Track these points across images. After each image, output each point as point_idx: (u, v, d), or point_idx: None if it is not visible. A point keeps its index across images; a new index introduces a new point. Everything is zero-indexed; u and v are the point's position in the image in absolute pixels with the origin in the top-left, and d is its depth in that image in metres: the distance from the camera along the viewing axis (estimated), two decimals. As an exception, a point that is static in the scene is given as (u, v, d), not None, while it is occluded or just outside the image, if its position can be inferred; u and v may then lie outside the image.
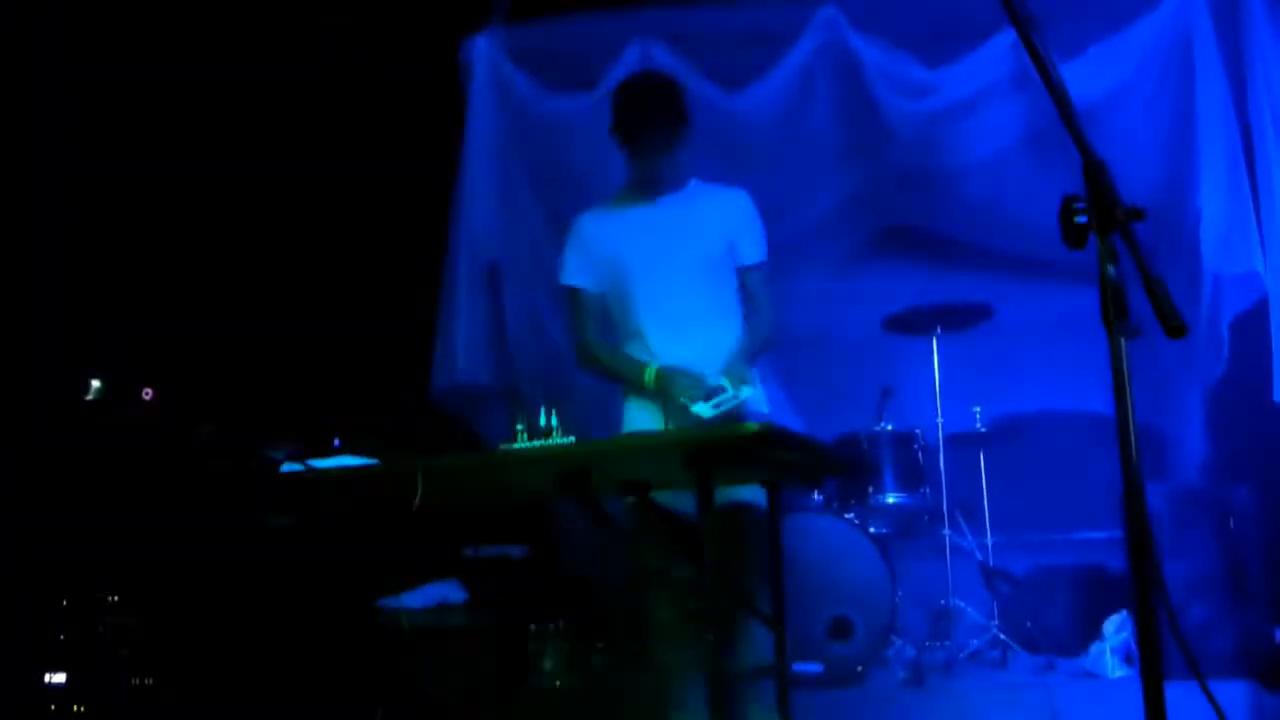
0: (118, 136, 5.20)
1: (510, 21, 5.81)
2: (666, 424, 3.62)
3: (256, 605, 3.70)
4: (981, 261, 6.26)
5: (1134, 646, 4.44)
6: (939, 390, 5.46)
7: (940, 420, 5.42)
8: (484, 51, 5.83)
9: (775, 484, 3.56)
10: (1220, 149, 5.03)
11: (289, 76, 5.55)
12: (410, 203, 5.80)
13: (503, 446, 3.22)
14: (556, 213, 5.89)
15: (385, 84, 5.69)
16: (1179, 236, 5.19)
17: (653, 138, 3.75)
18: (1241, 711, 4.10)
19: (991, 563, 5.50)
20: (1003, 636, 5.20)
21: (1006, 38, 5.22)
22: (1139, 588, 1.93)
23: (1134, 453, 1.92)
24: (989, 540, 5.52)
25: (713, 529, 3.11)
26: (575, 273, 3.89)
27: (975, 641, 5.25)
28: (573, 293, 3.91)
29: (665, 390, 3.61)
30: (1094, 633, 4.79)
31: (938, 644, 5.30)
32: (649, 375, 3.65)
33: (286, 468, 3.41)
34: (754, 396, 3.62)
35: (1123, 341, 1.93)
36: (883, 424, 5.53)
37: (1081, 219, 1.97)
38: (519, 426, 3.21)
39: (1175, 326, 1.89)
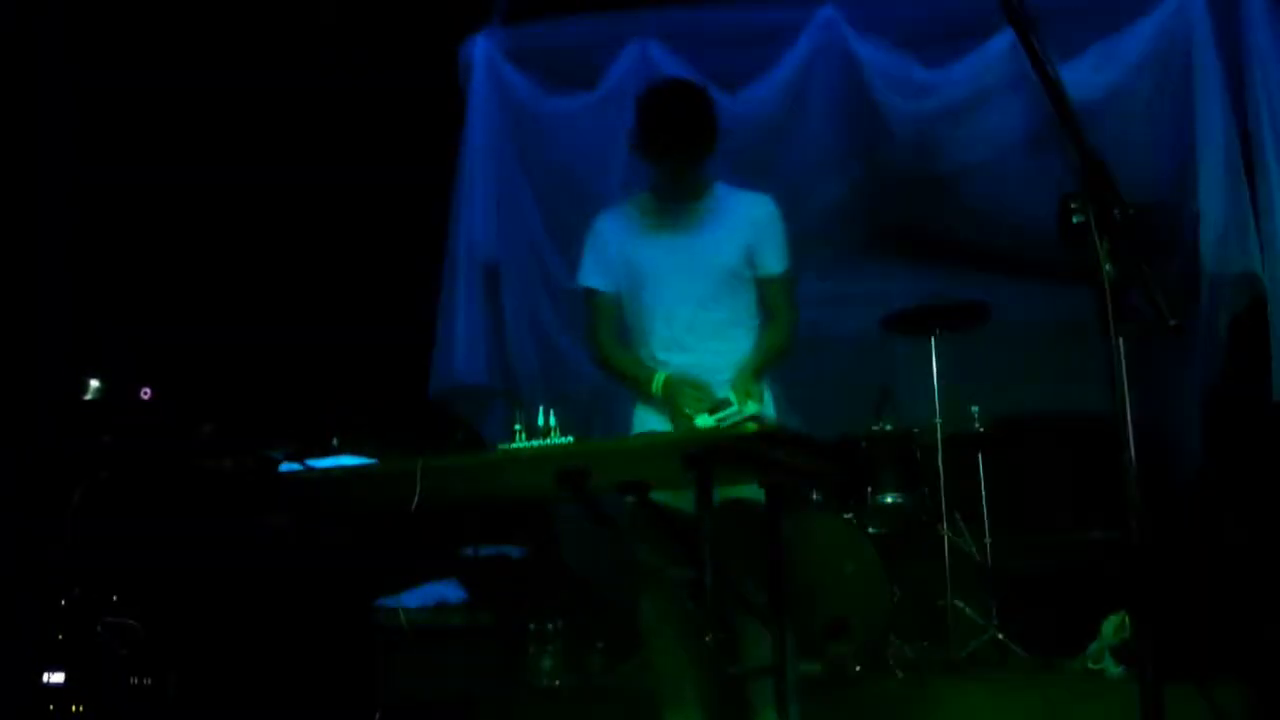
0: (118, 136, 5.20)
1: (509, 21, 5.81)
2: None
3: (255, 605, 3.70)
4: (980, 261, 6.26)
5: (1132, 647, 4.44)
6: (937, 390, 5.45)
7: (939, 420, 5.42)
8: (483, 51, 5.83)
9: (774, 484, 3.57)
10: (1219, 149, 5.04)
11: (289, 76, 5.55)
12: (409, 203, 5.80)
13: (501, 446, 3.22)
14: (555, 213, 5.90)
15: (385, 84, 5.70)
16: (1177, 236, 5.20)
17: (680, 158, 3.69)
18: (1238, 712, 4.10)
19: (989, 563, 5.50)
20: (1001, 637, 5.20)
21: (1005, 38, 5.22)
22: (1137, 588, 1.94)
23: (1132, 453, 1.92)
24: (987, 540, 5.51)
25: (711, 529, 3.11)
26: (591, 273, 3.88)
27: (973, 642, 5.25)
28: (589, 293, 3.90)
29: (671, 399, 3.62)
30: (1092, 633, 4.79)
31: (936, 644, 5.30)
32: (656, 383, 3.66)
33: (285, 467, 3.41)
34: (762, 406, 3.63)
35: (1121, 341, 1.93)
36: (881, 424, 5.53)
37: (1079, 219, 1.98)
38: (517, 426, 3.22)
39: (1173, 326, 1.89)
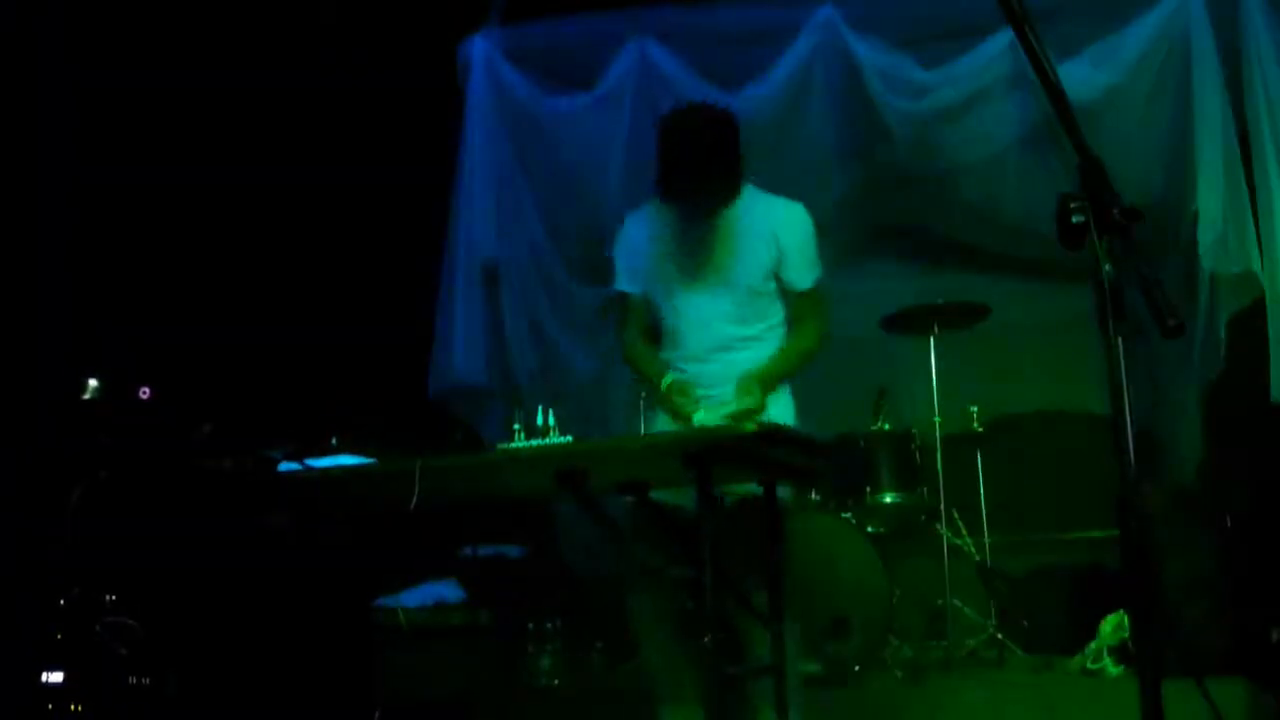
0: (118, 136, 5.19)
1: (508, 21, 5.81)
2: None
3: (254, 604, 3.70)
4: (979, 261, 6.27)
5: (1131, 646, 4.45)
6: (936, 390, 5.46)
7: (937, 420, 5.42)
8: (481, 51, 5.84)
9: (773, 483, 3.57)
10: (1217, 148, 5.04)
11: (288, 76, 5.54)
12: (409, 203, 5.80)
13: (500, 446, 3.22)
14: (554, 212, 5.91)
15: (384, 84, 5.70)
16: (1176, 236, 5.21)
17: (703, 197, 3.59)
18: (1237, 710, 4.11)
19: (988, 562, 5.51)
20: (1000, 636, 5.21)
21: (1004, 38, 5.23)
22: (1136, 587, 1.94)
23: (1131, 452, 1.92)
24: (986, 540, 5.52)
25: (712, 529, 3.12)
26: (621, 274, 3.87)
27: (972, 641, 5.25)
28: (619, 295, 3.91)
29: (668, 400, 3.63)
30: (1091, 632, 4.79)
31: (935, 643, 5.30)
32: (664, 383, 3.66)
33: (285, 467, 3.41)
34: (779, 410, 3.64)
35: (1120, 341, 1.94)
36: (880, 423, 5.54)
37: (1078, 219, 1.98)
38: (516, 426, 3.22)
39: (1172, 326, 1.89)
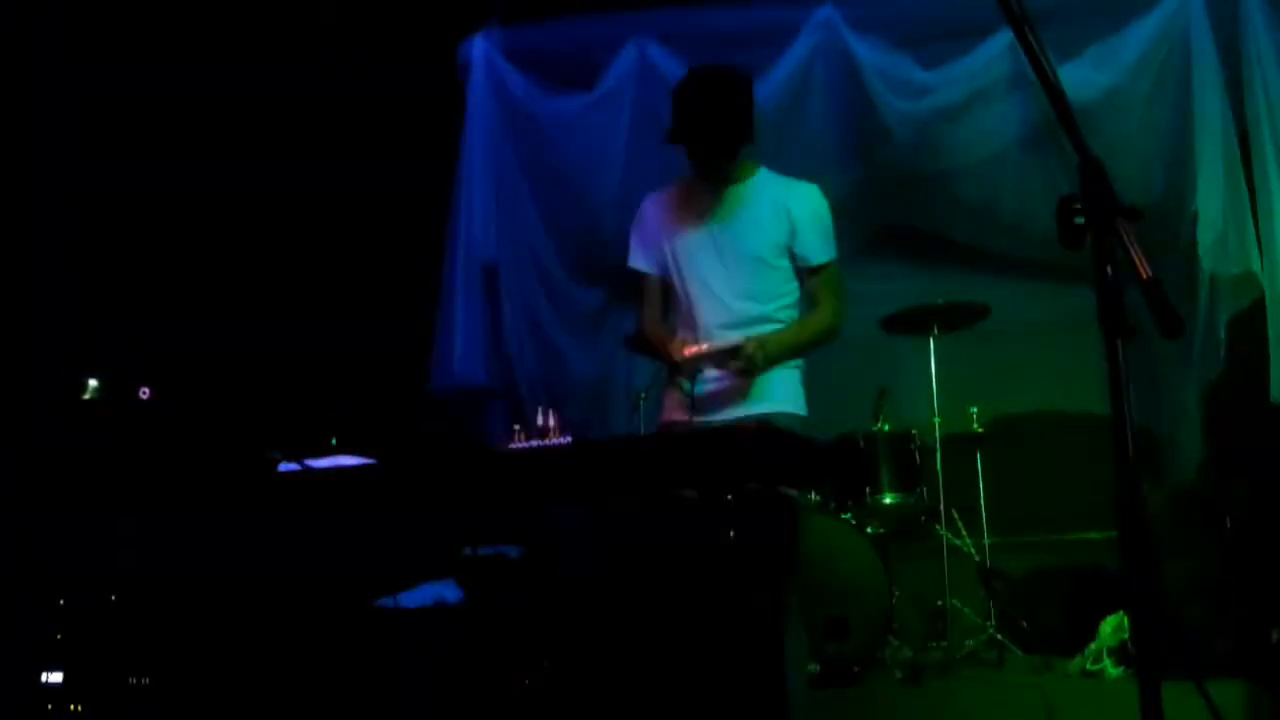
0: (118, 136, 5.19)
1: (508, 22, 5.82)
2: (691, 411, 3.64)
3: (254, 605, 3.70)
4: (979, 262, 6.27)
5: (1130, 647, 4.45)
6: (936, 390, 5.46)
7: (937, 420, 5.42)
8: (482, 52, 5.85)
9: (772, 484, 3.56)
10: (1217, 149, 5.05)
11: (288, 76, 5.55)
12: (409, 203, 5.80)
13: (500, 446, 3.22)
14: (554, 212, 5.91)
15: (384, 84, 5.70)
16: (1176, 237, 5.21)
17: (710, 148, 3.68)
18: (1237, 711, 4.11)
19: (988, 563, 5.50)
20: (999, 637, 5.20)
21: (1004, 38, 5.24)
22: (1136, 588, 1.94)
23: (1131, 453, 1.92)
24: (985, 540, 5.51)
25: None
26: (637, 256, 3.91)
27: (971, 642, 5.25)
28: (635, 275, 3.93)
29: (687, 365, 3.65)
30: (1090, 633, 4.79)
31: (934, 644, 5.30)
32: (677, 353, 3.68)
33: (284, 467, 3.41)
34: (787, 393, 3.65)
35: (1120, 342, 1.94)
36: (879, 424, 5.53)
37: (1079, 220, 1.97)
38: (516, 426, 3.22)
39: (1172, 327, 1.89)
